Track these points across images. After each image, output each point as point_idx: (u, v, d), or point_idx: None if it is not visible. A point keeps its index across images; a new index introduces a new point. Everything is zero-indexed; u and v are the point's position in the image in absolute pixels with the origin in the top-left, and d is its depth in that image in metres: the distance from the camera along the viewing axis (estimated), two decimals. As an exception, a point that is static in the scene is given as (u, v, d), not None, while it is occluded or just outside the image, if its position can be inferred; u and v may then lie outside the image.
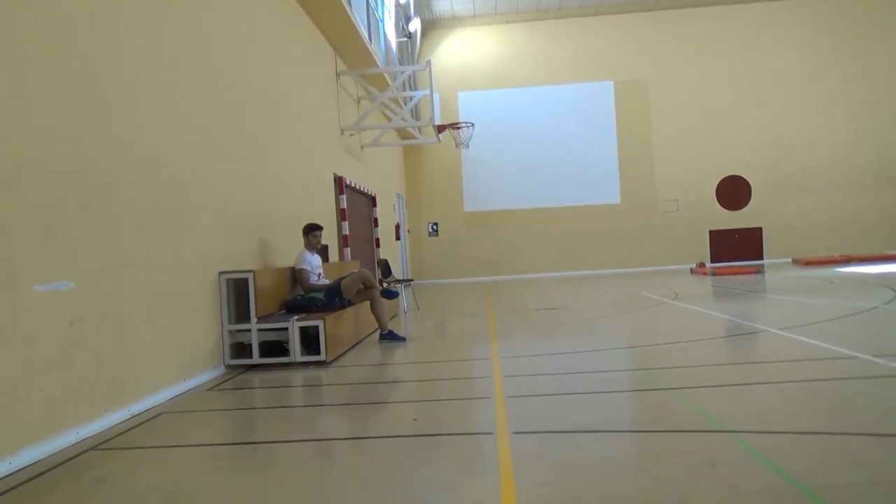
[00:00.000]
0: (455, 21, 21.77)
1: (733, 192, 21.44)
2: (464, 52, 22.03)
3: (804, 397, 4.17)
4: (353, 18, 10.90)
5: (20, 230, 3.53)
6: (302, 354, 6.14)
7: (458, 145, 15.55)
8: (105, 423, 4.09)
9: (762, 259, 21.12)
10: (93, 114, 4.26)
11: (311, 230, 7.49)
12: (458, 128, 15.23)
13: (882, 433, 3.21)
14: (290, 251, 7.71)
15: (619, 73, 21.87)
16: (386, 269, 11.96)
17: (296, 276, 7.25)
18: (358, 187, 12.49)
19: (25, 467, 3.37)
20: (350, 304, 7.29)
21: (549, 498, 2.70)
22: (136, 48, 4.89)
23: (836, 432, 3.32)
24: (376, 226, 14.10)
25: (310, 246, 7.46)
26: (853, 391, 4.18)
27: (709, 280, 15.09)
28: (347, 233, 11.20)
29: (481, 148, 19.34)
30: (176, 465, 3.51)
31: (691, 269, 18.69)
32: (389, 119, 14.34)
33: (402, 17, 19.30)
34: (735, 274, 16.44)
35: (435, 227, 21.99)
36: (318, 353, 6.12)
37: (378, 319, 7.54)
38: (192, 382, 5.33)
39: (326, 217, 10.04)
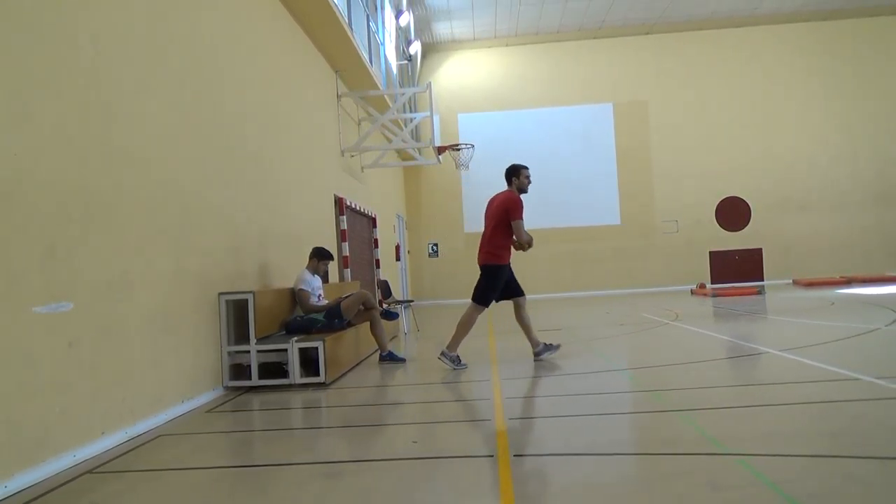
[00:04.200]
0: (455, 44, 21.96)
1: (733, 213, 21.46)
2: (463, 74, 22.20)
3: (807, 419, 4.14)
4: (354, 41, 11.01)
5: (20, 247, 3.53)
6: (301, 376, 6.11)
7: (458, 167, 15.60)
8: (102, 446, 4.06)
9: (763, 280, 21.11)
10: (94, 131, 4.28)
11: (323, 256, 7.47)
12: (458, 149, 15.28)
13: (886, 456, 3.19)
14: (291, 272, 7.71)
15: (618, 94, 22.02)
16: (386, 289, 11.95)
17: (295, 296, 7.24)
18: (358, 208, 12.52)
19: (21, 491, 3.33)
20: (350, 324, 7.27)
21: (550, 522, 2.67)
22: (137, 69, 4.92)
23: (839, 455, 3.29)
24: (376, 246, 14.11)
25: (314, 269, 7.45)
26: (856, 413, 4.15)
27: (709, 301, 15.06)
28: (347, 254, 11.21)
29: (481, 169, 19.30)
30: (174, 488, 3.48)
31: (692, 290, 18.67)
32: (390, 140, 14.41)
33: (403, 40, 19.49)
34: (736, 295, 16.41)
35: (435, 247, 22.00)
36: (318, 375, 6.09)
37: (378, 340, 7.52)
38: (190, 404, 5.30)
39: (327, 238, 10.06)
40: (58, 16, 4.01)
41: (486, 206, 6.99)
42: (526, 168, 6.94)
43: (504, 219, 6.69)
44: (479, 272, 6.96)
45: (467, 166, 15.52)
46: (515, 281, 7.07)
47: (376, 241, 14.14)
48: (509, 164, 6.99)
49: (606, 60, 21.98)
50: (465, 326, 6.78)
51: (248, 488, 3.41)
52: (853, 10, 21.26)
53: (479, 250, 6.94)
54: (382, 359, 7.46)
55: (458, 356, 6.74)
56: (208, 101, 6.20)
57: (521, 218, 6.66)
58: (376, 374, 6.99)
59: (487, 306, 6.85)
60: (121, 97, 4.63)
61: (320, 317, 6.98)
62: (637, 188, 21.85)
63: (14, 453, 3.38)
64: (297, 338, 6.27)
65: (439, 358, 6.76)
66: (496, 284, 6.84)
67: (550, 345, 7.04)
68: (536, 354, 6.96)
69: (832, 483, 2.90)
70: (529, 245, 6.75)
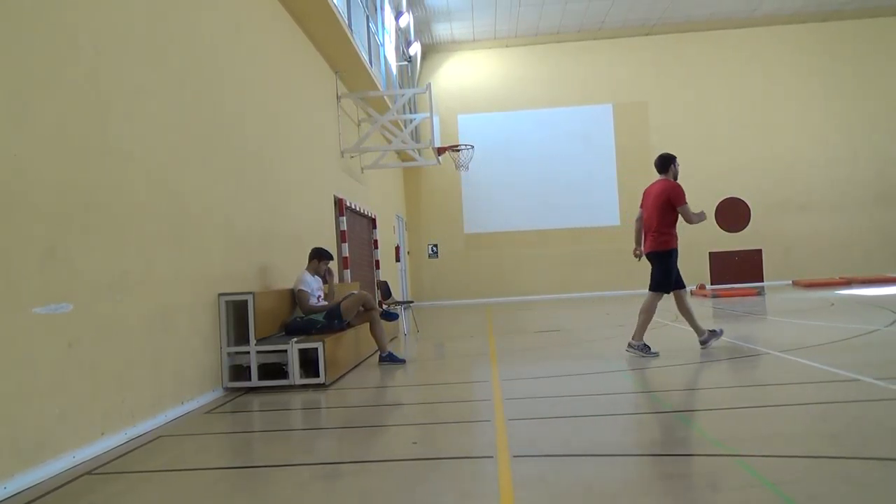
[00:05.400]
0: (455, 45, 21.95)
1: (732, 214, 21.40)
2: (463, 75, 22.19)
3: (807, 420, 4.14)
4: (353, 42, 11.00)
5: (20, 248, 3.52)
6: (301, 377, 6.10)
7: (457, 167, 15.60)
8: (102, 447, 4.05)
9: (762, 281, 21.10)
10: (94, 131, 4.28)
11: (322, 257, 7.48)
12: (458, 150, 15.27)
13: (886, 457, 3.18)
14: (291, 273, 7.70)
15: (618, 95, 22.00)
16: (386, 290, 11.94)
17: (295, 297, 7.24)
18: (358, 209, 12.52)
19: (20, 492, 3.33)
20: (349, 325, 7.26)
21: (550, 523, 2.67)
22: (137, 69, 4.92)
23: (839, 456, 3.29)
24: (376, 247, 14.10)
25: (314, 270, 7.45)
26: (856, 414, 4.15)
27: (709, 302, 15.06)
28: (347, 255, 11.20)
29: (481, 170, 19.40)
30: (174, 489, 3.47)
31: (691, 292, 18.65)
32: (389, 141, 14.41)
33: (403, 41, 19.48)
34: (735, 296, 16.41)
35: (435, 248, 21.99)
36: (318, 376, 6.08)
37: (378, 341, 7.51)
38: (190, 405, 5.29)
39: (327, 239, 10.05)
40: (58, 16, 4.01)
41: (641, 197, 7.42)
42: (677, 157, 7.42)
43: (667, 206, 7.00)
44: (649, 261, 7.19)
45: (467, 167, 15.52)
46: (678, 271, 7.24)
47: (376, 241, 14.13)
48: (662, 153, 7.44)
49: (606, 61, 21.96)
50: (646, 313, 6.95)
51: (248, 489, 3.41)
52: (853, 12, 21.25)
53: (644, 239, 7.20)
54: (382, 360, 7.45)
55: (645, 344, 6.87)
56: (208, 101, 6.20)
57: (686, 203, 7.04)
58: (376, 375, 6.99)
59: (668, 292, 7.04)
60: (120, 97, 4.63)
61: (320, 318, 6.97)
62: (636, 189, 21.45)
63: (14, 454, 3.38)
64: (296, 339, 6.26)
65: (627, 350, 6.91)
66: (670, 268, 7.02)
67: (714, 331, 7.12)
68: (702, 343, 7.04)
69: (832, 484, 2.90)
70: (700, 219, 7.15)
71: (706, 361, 6.61)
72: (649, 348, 6.85)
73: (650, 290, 7.08)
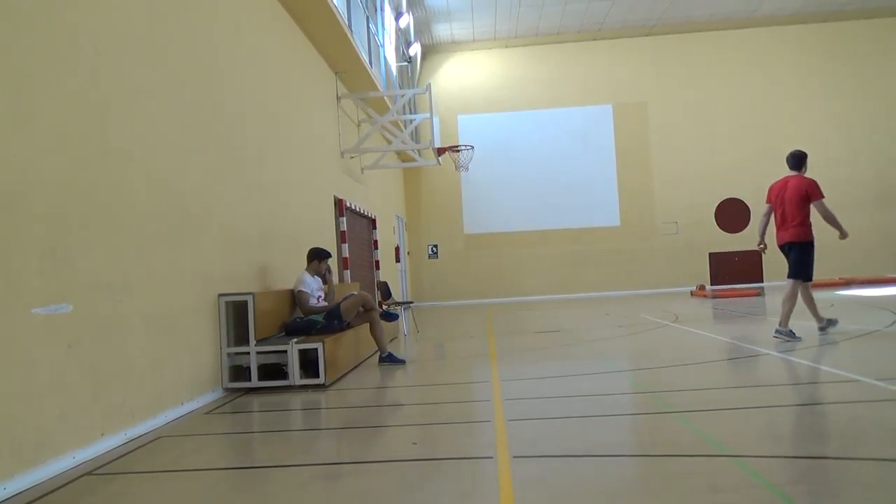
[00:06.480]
0: (454, 45, 21.96)
1: (732, 214, 21.45)
2: (463, 75, 22.19)
3: (806, 421, 4.14)
4: (353, 43, 11.01)
5: (20, 248, 3.52)
6: (301, 377, 6.10)
7: (457, 168, 15.61)
8: (102, 447, 4.05)
9: (762, 282, 21.10)
10: (94, 132, 4.28)
11: (321, 257, 7.50)
12: (458, 150, 15.29)
13: (886, 458, 3.18)
14: (291, 273, 7.70)
15: (618, 96, 22.01)
16: (385, 291, 11.94)
17: (295, 298, 7.24)
18: (358, 209, 12.52)
19: (20, 492, 3.32)
20: (349, 326, 7.26)
21: (550, 523, 2.67)
22: (137, 69, 4.92)
23: (839, 457, 3.29)
24: (376, 248, 14.11)
25: (314, 270, 7.45)
26: (856, 415, 4.15)
27: (709, 303, 15.06)
28: (347, 255, 11.21)
29: (481, 171, 19.41)
30: (174, 490, 3.47)
31: (691, 292, 18.65)
32: (389, 142, 14.41)
33: (403, 41, 19.49)
34: (735, 296, 16.40)
35: (435, 249, 21.99)
36: (318, 376, 6.08)
37: (377, 342, 7.51)
38: (190, 406, 5.29)
39: (327, 239, 10.05)
40: (58, 16, 4.01)
41: (768, 192, 7.85)
42: (808, 154, 7.86)
43: (805, 200, 7.49)
44: (790, 250, 7.63)
45: (467, 167, 15.54)
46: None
47: (376, 242, 14.13)
48: (795, 151, 7.91)
49: (606, 62, 21.97)
50: (790, 301, 7.39)
51: (247, 490, 3.40)
52: (853, 12, 21.26)
53: (783, 230, 7.62)
54: (382, 360, 7.45)
55: (790, 330, 7.27)
56: (208, 101, 6.20)
57: (824, 197, 7.54)
58: (376, 375, 6.99)
59: (809, 279, 7.56)
60: (120, 97, 4.63)
61: (320, 318, 6.97)
62: (637, 189, 21.82)
63: (14, 454, 3.38)
64: (296, 339, 6.26)
65: (775, 336, 7.31)
66: (810, 257, 7.52)
67: (832, 319, 7.60)
68: (821, 329, 7.50)
69: (832, 485, 2.90)
70: (836, 224, 7.58)
71: (706, 362, 6.61)
72: (794, 333, 7.22)
73: (790, 277, 7.51)
